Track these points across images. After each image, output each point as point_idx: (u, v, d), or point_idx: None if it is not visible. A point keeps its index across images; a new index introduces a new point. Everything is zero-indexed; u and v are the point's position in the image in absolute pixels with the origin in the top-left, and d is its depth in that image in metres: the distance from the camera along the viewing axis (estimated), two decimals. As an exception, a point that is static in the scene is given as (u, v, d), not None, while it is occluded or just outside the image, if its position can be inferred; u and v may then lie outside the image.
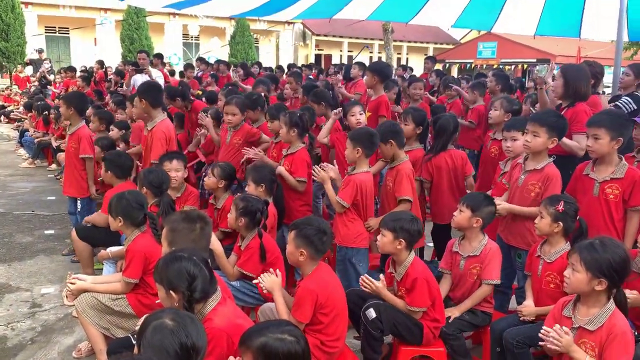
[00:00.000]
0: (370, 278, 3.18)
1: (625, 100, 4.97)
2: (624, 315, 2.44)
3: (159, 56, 11.38)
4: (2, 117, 14.73)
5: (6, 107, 15.31)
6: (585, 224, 3.16)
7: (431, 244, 4.82)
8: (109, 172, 4.48)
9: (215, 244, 3.47)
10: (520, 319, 3.15)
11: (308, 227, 2.86)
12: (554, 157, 3.61)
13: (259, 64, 13.14)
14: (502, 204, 3.55)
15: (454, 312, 3.28)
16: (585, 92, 4.24)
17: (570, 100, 4.23)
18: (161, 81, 9.94)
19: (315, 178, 3.95)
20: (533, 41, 19.77)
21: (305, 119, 4.57)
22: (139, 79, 9.44)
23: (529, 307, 3.18)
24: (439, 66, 25.65)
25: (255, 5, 8.96)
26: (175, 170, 4.28)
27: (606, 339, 2.37)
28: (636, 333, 2.87)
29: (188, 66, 11.27)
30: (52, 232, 5.88)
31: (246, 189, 4.08)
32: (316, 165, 4.01)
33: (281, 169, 4.31)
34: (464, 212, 3.37)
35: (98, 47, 25.03)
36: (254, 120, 5.35)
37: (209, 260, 2.37)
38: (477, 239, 3.40)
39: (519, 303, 3.72)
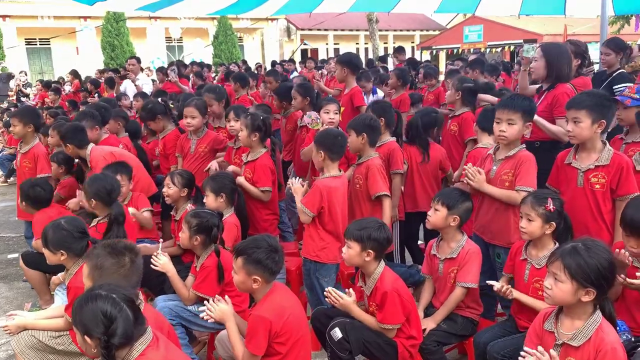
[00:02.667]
0: (337, 292, 2.88)
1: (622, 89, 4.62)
2: (612, 327, 2.14)
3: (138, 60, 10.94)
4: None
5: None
6: (569, 219, 2.87)
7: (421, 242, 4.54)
8: (24, 203, 4.18)
9: (168, 265, 3.17)
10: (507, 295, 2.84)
11: (257, 250, 2.55)
12: (527, 145, 3.32)
13: (245, 62, 12.88)
14: (476, 175, 3.23)
15: (428, 324, 2.99)
16: (567, 72, 3.95)
17: (551, 81, 3.93)
18: (149, 88, 9.63)
19: (291, 189, 3.61)
20: (519, 22, 19.49)
21: (268, 123, 4.25)
22: (128, 86, 9.16)
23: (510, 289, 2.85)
24: (426, 54, 25.46)
25: (232, 1, 8.70)
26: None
27: (595, 357, 2.06)
28: (632, 338, 2.59)
29: (160, 70, 10.90)
30: (15, 255, 5.55)
31: (205, 200, 3.75)
32: (291, 178, 3.69)
33: (241, 180, 3.97)
34: (439, 211, 3.08)
35: (80, 56, 24.63)
36: (219, 115, 5.11)
37: (135, 297, 2.06)
38: (455, 240, 3.11)
39: (504, 307, 3.45)
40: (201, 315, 2.67)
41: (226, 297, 2.66)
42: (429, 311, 3.11)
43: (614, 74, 4.80)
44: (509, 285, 2.86)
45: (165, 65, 13.56)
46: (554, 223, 2.78)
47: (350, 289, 2.92)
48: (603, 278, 2.09)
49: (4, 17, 23.09)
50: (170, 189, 3.97)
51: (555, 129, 3.78)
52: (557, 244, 2.85)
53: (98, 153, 4.44)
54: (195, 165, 4.78)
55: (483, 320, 3.19)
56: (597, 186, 3.04)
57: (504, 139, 3.23)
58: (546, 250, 2.82)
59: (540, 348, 2.08)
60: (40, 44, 25.92)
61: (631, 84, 4.21)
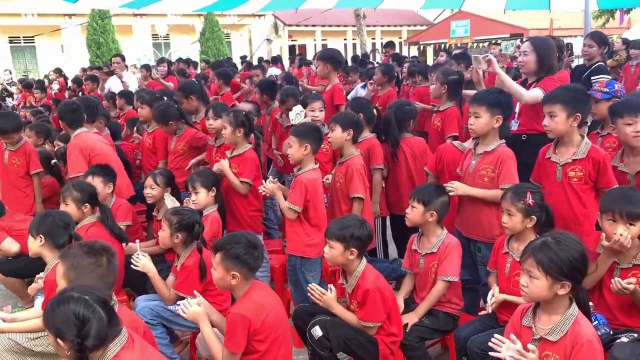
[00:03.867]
0: (320, 288, 2.87)
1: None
2: (588, 320, 2.15)
3: (122, 58, 10.80)
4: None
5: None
6: (551, 210, 2.89)
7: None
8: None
9: (148, 265, 3.14)
10: (487, 311, 2.86)
11: (235, 245, 2.54)
12: (513, 138, 3.33)
13: (229, 60, 12.81)
14: (455, 183, 3.24)
15: (411, 318, 2.99)
16: (555, 65, 3.97)
17: (539, 75, 3.92)
18: (134, 85, 9.55)
19: (263, 192, 3.60)
20: (505, 16, 19.58)
21: (251, 118, 4.23)
22: (113, 83, 9.07)
23: (496, 295, 2.86)
24: (414, 49, 25.52)
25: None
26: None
27: (571, 350, 2.07)
28: (611, 332, 2.61)
29: (145, 67, 10.80)
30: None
31: (194, 197, 3.72)
32: (266, 181, 3.64)
33: (224, 166, 3.90)
34: (416, 208, 3.10)
35: (65, 54, 24.38)
36: (191, 110, 5.10)
37: (109, 298, 2.03)
38: (435, 235, 3.12)
39: (486, 302, 3.46)
40: (177, 309, 2.65)
41: (200, 298, 2.65)
42: (411, 307, 3.11)
43: (593, 67, 4.82)
44: (495, 297, 2.86)
45: (153, 63, 13.48)
46: (534, 217, 2.80)
47: (332, 286, 2.91)
48: (576, 269, 2.10)
49: (-14, 15, 22.78)
50: (154, 190, 3.93)
51: (512, 87, 3.74)
52: (538, 237, 2.86)
53: (76, 142, 4.40)
54: (175, 163, 4.78)
55: (464, 315, 3.19)
56: (575, 179, 3.06)
57: (472, 131, 3.30)
58: (527, 243, 2.82)
59: (512, 336, 2.10)
60: (24, 42, 25.59)
61: (604, 77, 4.23)
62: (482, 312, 2.92)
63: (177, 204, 3.66)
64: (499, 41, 20.86)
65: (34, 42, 25.35)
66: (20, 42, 25.52)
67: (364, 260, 2.87)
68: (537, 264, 2.10)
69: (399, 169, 4.19)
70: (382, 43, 30.08)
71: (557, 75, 3.97)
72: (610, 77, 4.37)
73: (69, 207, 3.49)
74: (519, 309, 2.33)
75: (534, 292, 2.14)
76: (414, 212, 3.10)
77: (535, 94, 3.76)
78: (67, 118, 4.48)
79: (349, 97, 5.75)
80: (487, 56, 3.91)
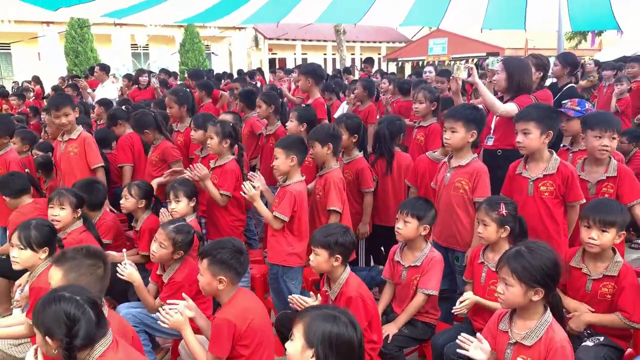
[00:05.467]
0: (302, 297, 2.94)
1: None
2: (560, 326, 2.28)
3: (104, 68, 10.74)
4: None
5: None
6: (524, 221, 3.03)
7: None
8: (5, 197, 4.12)
9: (134, 275, 3.16)
10: (456, 313, 2.97)
11: (222, 250, 2.61)
12: (489, 153, 3.48)
13: (211, 71, 12.87)
14: (468, 296, 3.02)
15: (390, 329, 3.08)
16: (528, 84, 4.11)
17: (512, 93, 4.08)
18: (115, 94, 9.51)
19: (244, 195, 3.62)
20: (482, 35, 19.95)
21: (237, 129, 4.31)
22: (108, 90, 9.06)
23: (468, 297, 2.96)
24: (392, 65, 25.89)
25: (198, 10, 8.72)
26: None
27: (546, 355, 2.19)
28: (587, 332, 2.75)
29: (127, 77, 10.78)
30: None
31: (174, 205, 3.75)
32: (246, 181, 3.71)
33: (205, 179, 3.94)
34: (410, 223, 3.14)
35: (42, 62, 24.08)
36: (179, 118, 5.28)
37: (99, 300, 2.08)
38: (420, 249, 3.21)
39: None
40: (159, 322, 2.69)
41: (189, 302, 2.69)
42: (390, 317, 3.21)
43: (564, 89, 5.01)
44: (466, 299, 2.96)
45: (131, 72, 13.46)
46: (508, 227, 2.93)
47: (316, 294, 2.98)
48: (548, 277, 2.22)
49: (-39, 20, 22.39)
50: (128, 201, 3.96)
51: (489, 98, 3.90)
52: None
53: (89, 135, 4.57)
54: (149, 172, 4.84)
55: (441, 324, 3.30)
56: (546, 194, 3.21)
57: (448, 145, 3.44)
58: (501, 253, 2.94)
59: (478, 335, 2.23)
60: (0, 49, 25.22)
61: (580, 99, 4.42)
62: (455, 308, 2.98)
63: (168, 216, 3.69)
64: (475, 60, 21.41)
65: (9, 49, 24.99)
66: (-6, 48, 25.13)
67: (348, 268, 2.96)
68: (512, 272, 2.23)
69: (387, 182, 4.29)
70: (361, 58, 30.51)
71: (538, 93, 4.14)
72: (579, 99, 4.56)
73: (64, 212, 3.48)
74: (496, 314, 2.45)
75: (510, 299, 2.25)
76: (409, 228, 3.15)
77: (510, 107, 3.91)
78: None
79: (335, 115, 5.84)
80: (469, 65, 4.08)
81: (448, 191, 3.42)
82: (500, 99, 4.17)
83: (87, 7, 9.50)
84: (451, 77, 4.47)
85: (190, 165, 4.02)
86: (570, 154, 3.87)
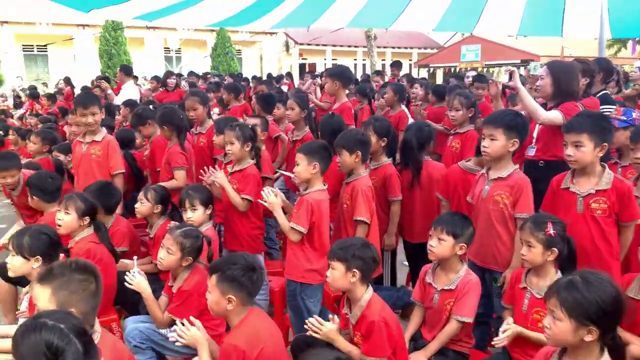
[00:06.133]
0: (319, 320, 2.66)
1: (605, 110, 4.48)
2: None
3: (125, 70, 10.72)
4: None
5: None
6: (573, 243, 2.69)
7: (406, 262, 4.33)
8: (34, 197, 3.94)
9: (143, 284, 2.96)
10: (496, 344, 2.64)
11: (232, 267, 2.37)
12: (530, 164, 3.16)
13: (240, 75, 12.85)
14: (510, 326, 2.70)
15: (419, 358, 2.76)
16: (575, 90, 3.78)
17: (557, 100, 3.76)
18: (136, 95, 9.45)
19: (264, 203, 3.37)
20: (516, 42, 19.50)
21: (257, 132, 4.09)
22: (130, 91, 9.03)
23: (510, 327, 2.64)
24: (423, 71, 25.48)
25: (229, 14, 8.61)
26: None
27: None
28: None
29: (155, 78, 10.74)
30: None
31: (190, 214, 3.53)
32: (267, 187, 3.48)
33: (223, 181, 3.73)
34: (445, 241, 2.83)
35: (77, 64, 24.51)
36: (202, 120, 5.13)
37: (88, 326, 1.84)
38: (454, 270, 2.89)
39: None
40: (169, 337, 2.46)
41: (198, 322, 2.46)
42: (419, 343, 2.90)
43: (597, 96, 4.63)
44: (509, 326, 2.65)
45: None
46: (555, 249, 2.61)
47: (335, 316, 2.71)
48: (606, 314, 1.89)
49: (1, 23, 22.93)
50: (143, 205, 3.76)
51: (531, 104, 3.61)
52: (560, 272, 2.68)
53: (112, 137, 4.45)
54: (161, 174, 4.66)
55: (475, 352, 2.98)
56: (599, 212, 2.87)
57: (486, 154, 3.12)
58: (548, 279, 2.65)
59: None
60: (37, 51, 25.75)
61: (609, 107, 4.06)
62: (496, 340, 2.67)
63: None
64: (509, 67, 20.85)
65: (47, 51, 25.53)
66: (33, 50, 25.66)
67: (370, 289, 2.68)
68: (561, 305, 1.91)
69: (416, 194, 3.99)
70: (391, 62, 30.17)
71: (585, 101, 3.80)
72: (614, 107, 4.19)
73: (69, 217, 3.31)
74: (542, 353, 2.13)
75: (557, 335, 1.94)
76: (444, 246, 2.84)
77: (554, 115, 3.61)
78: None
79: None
80: (511, 68, 3.78)
81: (486, 206, 3.11)
82: (544, 106, 3.84)
83: (120, 9, 9.52)
84: (490, 81, 4.17)
85: (204, 168, 3.81)
86: (619, 169, 3.53)
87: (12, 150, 8.71)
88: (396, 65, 10.97)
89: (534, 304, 2.64)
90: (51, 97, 11.08)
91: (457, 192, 3.64)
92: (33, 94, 12.30)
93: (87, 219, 3.34)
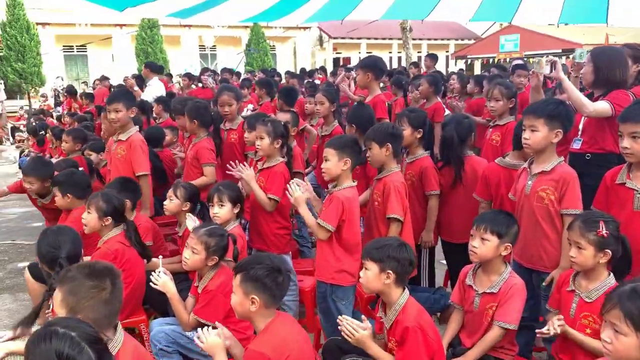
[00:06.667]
0: (353, 322, 2.50)
1: None
2: None
3: (151, 67, 10.68)
4: (13, 138, 14.56)
5: (18, 128, 15.16)
6: (628, 243, 2.45)
7: (444, 261, 4.13)
8: (68, 195, 3.88)
9: (168, 285, 2.87)
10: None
11: (257, 267, 2.25)
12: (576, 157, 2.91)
13: (278, 73, 12.80)
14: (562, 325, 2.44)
15: (459, 366, 2.58)
16: (620, 79, 3.50)
17: (603, 89, 3.51)
18: (162, 92, 9.47)
19: (289, 197, 3.23)
20: (557, 31, 18.85)
21: (289, 129, 3.96)
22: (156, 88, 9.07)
23: (561, 323, 2.41)
24: (461, 63, 24.93)
25: (262, 9, 8.54)
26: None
27: None
28: None
29: (187, 75, 10.74)
30: (26, 264, 5.34)
31: (216, 210, 3.42)
32: (293, 181, 3.34)
33: (250, 179, 3.60)
34: (489, 241, 2.63)
35: (115, 63, 24.97)
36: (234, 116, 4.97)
37: (102, 334, 1.74)
38: (497, 272, 2.69)
39: (545, 341, 3.02)
40: (194, 337, 2.37)
41: (222, 329, 2.34)
42: (457, 350, 2.71)
43: None
44: (560, 321, 2.42)
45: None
46: (609, 251, 2.38)
47: (367, 319, 2.55)
48: None
49: (43, 24, 23.54)
50: (172, 202, 3.68)
51: (575, 95, 3.35)
52: (612, 274, 2.45)
53: (139, 137, 4.35)
54: (186, 170, 4.59)
55: (518, 359, 2.78)
56: (661, 209, 2.61)
57: (527, 146, 2.91)
58: (599, 281, 2.43)
59: None
60: (77, 51, 26.35)
61: None
62: (541, 330, 2.45)
63: (196, 221, 3.37)
64: (550, 57, 20.18)
65: (86, 51, 26.10)
66: (73, 51, 26.27)
67: (407, 292, 2.51)
68: (626, 317, 1.70)
69: (458, 191, 3.76)
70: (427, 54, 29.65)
71: (636, 89, 3.52)
72: None
73: (90, 216, 3.27)
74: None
75: (621, 352, 1.73)
76: (488, 246, 2.64)
77: (601, 107, 3.36)
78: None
79: None
80: (553, 59, 3.54)
81: (530, 202, 2.89)
82: (590, 96, 3.58)
83: (154, 7, 9.56)
84: (531, 72, 3.92)
85: (231, 162, 3.70)
86: None
87: (50, 149, 8.89)
88: (430, 57, 10.69)
89: (582, 308, 2.43)
90: (88, 96, 11.21)
91: (500, 191, 3.40)
92: (70, 90, 12.52)
93: (108, 219, 3.28)
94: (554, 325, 2.40)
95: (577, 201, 2.81)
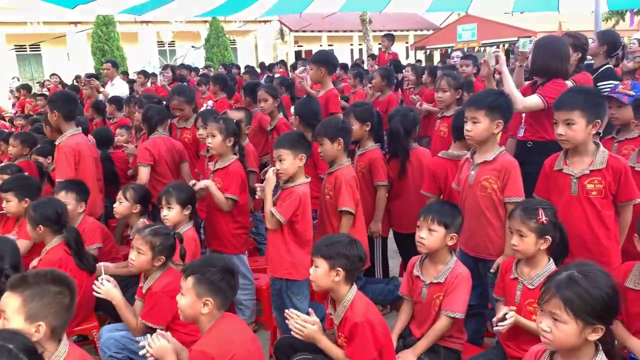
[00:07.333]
0: (300, 317, 2.51)
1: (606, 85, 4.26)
2: None
3: (114, 64, 10.45)
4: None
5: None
6: (564, 230, 2.53)
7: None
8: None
9: (112, 292, 2.82)
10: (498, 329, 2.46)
11: (211, 269, 2.24)
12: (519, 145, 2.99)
13: (237, 66, 12.68)
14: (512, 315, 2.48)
15: (407, 357, 2.62)
16: (558, 68, 3.56)
17: (543, 77, 3.59)
18: (125, 92, 9.26)
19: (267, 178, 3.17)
20: (513, 19, 19.20)
21: (241, 127, 3.92)
22: (109, 91, 8.80)
23: (512, 315, 2.43)
24: (420, 53, 25.16)
25: (220, 2, 8.41)
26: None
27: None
28: None
29: (142, 73, 10.53)
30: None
31: (165, 212, 3.38)
32: (272, 168, 3.24)
33: (208, 183, 3.55)
34: (436, 232, 2.67)
35: (71, 62, 24.30)
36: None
37: (37, 345, 1.70)
38: (443, 262, 2.73)
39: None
40: (140, 351, 2.33)
41: (167, 336, 2.32)
42: (407, 341, 2.75)
43: (600, 70, 4.42)
44: (510, 310, 2.46)
45: (158, 70, 13.31)
46: (549, 237, 2.45)
47: (314, 313, 2.56)
48: (609, 309, 1.73)
49: (-7, 23, 22.75)
50: (122, 205, 3.62)
51: (510, 90, 3.40)
52: (551, 259, 2.52)
53: (69, 143, 4.10)
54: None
55: (468, 347, 2.83)
56: (594, 193, 2.71)
57: (469, 138, 2.95)
58: (540, 268, 2.51)
59: None
60: (30, 50, 25.55)
61: (617, 82, 3.85)
62: (498, 327, 2.47)
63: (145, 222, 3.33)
64: (506, 45, 20.57)
65: (40, 50, 25.34)
66: (26, 50, 25.45)
67: (354, 288, 2.52)
68: (565, 305, 1.72)
69: (405, 183, 3.83)
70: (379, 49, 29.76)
71: (577, 76, 3.63)
72: (618, 81, 3.98)
73: (27, 227, 3.25)
74: (532, 353, 1.97)
75: (560, 339, 1.75)
76: (435, 237, 2.67)
77: (532, 101, 3.46)
78: (64, 109, 4.11)
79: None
80: (497, 52, 3.60)
81: (474, 192, 2.94)
82: (534, 84, 3.67)
83: (106, 4, 9.30)
84: (482, 61, 4.00)
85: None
86: (616, 144, 3.37)
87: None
88: (387, 37, 10.75)
89: (526, 295, 2.49)
90: (42, 97, 10.87)
91: (448, 183, 3.42)
92: (26, 87, 12.15)
93: (41, 228, 3.23)
94: (507, 317, 2.41)
95: (518, 190, 2.86)
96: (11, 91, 15.80)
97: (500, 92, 3.13)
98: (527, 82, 3.95)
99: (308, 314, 2.53)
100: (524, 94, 3.53)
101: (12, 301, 1.96)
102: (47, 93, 11.55)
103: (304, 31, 28.52)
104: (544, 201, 2.65)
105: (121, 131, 5.87)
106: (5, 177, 4.31)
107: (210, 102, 7.34)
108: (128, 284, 3.34)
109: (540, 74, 3.58)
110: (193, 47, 22.52)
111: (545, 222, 2.43)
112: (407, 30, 30.71)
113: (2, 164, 4.87)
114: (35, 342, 1.70)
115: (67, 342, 2.05)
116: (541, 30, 19.23)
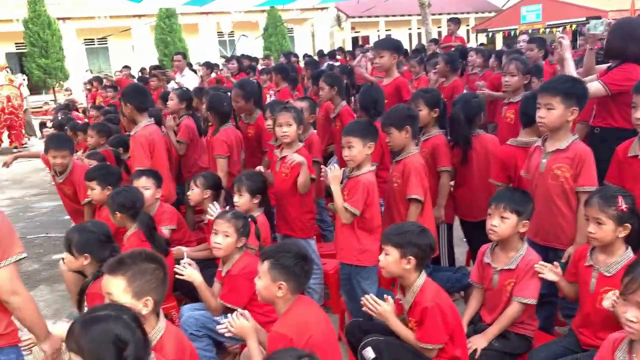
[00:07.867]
0: (376, 299, 2.60)
1: None
2: None
3: (184, 56, 10.70)
4: (41, 133, 14.88)
5: (44, 123, 15.47)
6: None
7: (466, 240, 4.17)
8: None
9: (194, 275, 2.97)
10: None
11: (285, 254, 2.34)
12: (577, 136, 2.91)
13: (295, 54, 12.73)
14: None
15: (478, 342, 2.64)
16: (634, 53, 3.43)
17: (616, 61, 3.47)
18: (195, 83, 9.50)
19: (326, 177, 3.22)
20: (581, -2, 18.38)
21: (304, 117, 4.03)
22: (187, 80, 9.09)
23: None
24: (482, 36, 24.46)
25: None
26: (144, 188, 3.77)
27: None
28: None
29: (206, 65, 10.78)
30: (61, 256, 5.55)
31: (236, 199, 3.54)
32: (333, 163, 3.36)
33: (300, 159, 3.56)
34: (508, 219, 2.66)
35: (135, 54, 25.20)
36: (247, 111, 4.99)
37: (142, 317, 1.86)
38: (514, 248, 2.73)
39: (565, 316, 3.08)
40: (218, 328, 2.47)
41: (247, 312, 2.45)
42: (478, 327, 2.77)
43: None
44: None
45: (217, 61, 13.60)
46: (628, 224, 2.40)
47: (390, 297, 2.63)
48: None
49: (63, 19, 23.84)
50: (193, 192, 3.83)
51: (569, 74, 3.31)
52: (629, 247, 2.47)
53: (143, 134, 4.27)
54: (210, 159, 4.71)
55: (539, 334, 2.82)
56: (673, 179, 2.61)
57: (542, 125, 2.89)
58: (617, 255, 2.46)
59: None
60: (98, 44, 26.66)
61: None
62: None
63: (218, 209, 3.46)
64: (573, 25, 19.66)
65: (107, 44, 26.40)
66: (94, 44, 26.59)
67: (424, 274, 2.57)
68: None
69: (470, 170, 3.78)
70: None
71: None
72: None
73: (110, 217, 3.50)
74: (610, 341, 1.96)
75: None
76: (507, 225, 2.66)
77: (594, 89, 3.33)
78: (135, 101, 4.27)
79: None
80: (561, 37, 3.52)
81: (545, 180, 2.90)
82: (609, 66, 3.55)
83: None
84: (553, 46, 3.89)
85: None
86: None
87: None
88: (453, 21, 10.52)
89: (602, 282, 2.45)
90: (115, 89, 11.36)
91: (518, 172, 3.34)
92: (98, 78, 12.73)
93: (118, 215, 3.45)
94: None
95: (593, 179, 2.81)
96: (84, 83, 16.56)
97: (575, 78, 3.05)
98: (604, 65, 3.82)
99: (384, 300, 2.59)
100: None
101: (116, 283, 2.10)
102: (115, 85, 12.07)
103: (360, 17, 28.34)
104: (622, 189, 2.58)
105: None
106: (93, 162, 4.64)
107: (271, 92, 7.49)
108: (204, 267, 3.52)
109: (616, 57, 3.45)
110: (244, 35, 22.82)
111: (625, 209, 2.39)
112: (468, 13, 29.92)
113: (89, 152, 5.19)
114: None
115: (164, 318, 2.21)
116: (612, 9, 18.29)
